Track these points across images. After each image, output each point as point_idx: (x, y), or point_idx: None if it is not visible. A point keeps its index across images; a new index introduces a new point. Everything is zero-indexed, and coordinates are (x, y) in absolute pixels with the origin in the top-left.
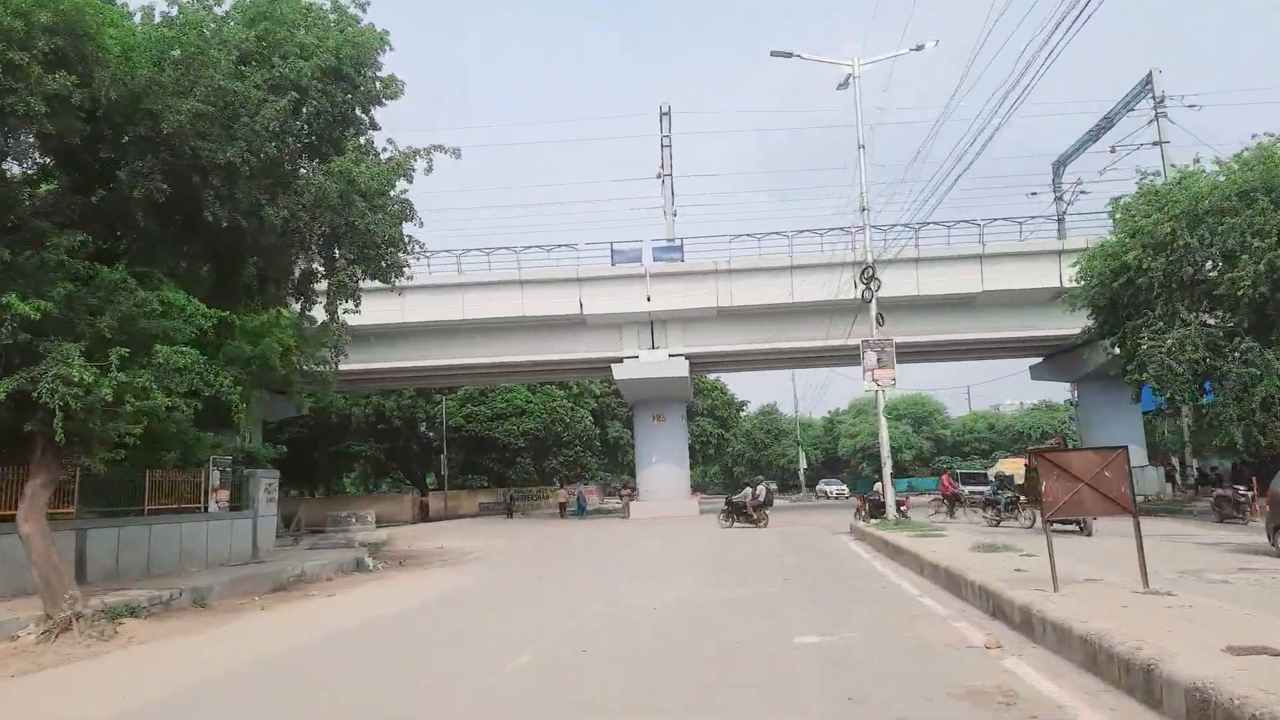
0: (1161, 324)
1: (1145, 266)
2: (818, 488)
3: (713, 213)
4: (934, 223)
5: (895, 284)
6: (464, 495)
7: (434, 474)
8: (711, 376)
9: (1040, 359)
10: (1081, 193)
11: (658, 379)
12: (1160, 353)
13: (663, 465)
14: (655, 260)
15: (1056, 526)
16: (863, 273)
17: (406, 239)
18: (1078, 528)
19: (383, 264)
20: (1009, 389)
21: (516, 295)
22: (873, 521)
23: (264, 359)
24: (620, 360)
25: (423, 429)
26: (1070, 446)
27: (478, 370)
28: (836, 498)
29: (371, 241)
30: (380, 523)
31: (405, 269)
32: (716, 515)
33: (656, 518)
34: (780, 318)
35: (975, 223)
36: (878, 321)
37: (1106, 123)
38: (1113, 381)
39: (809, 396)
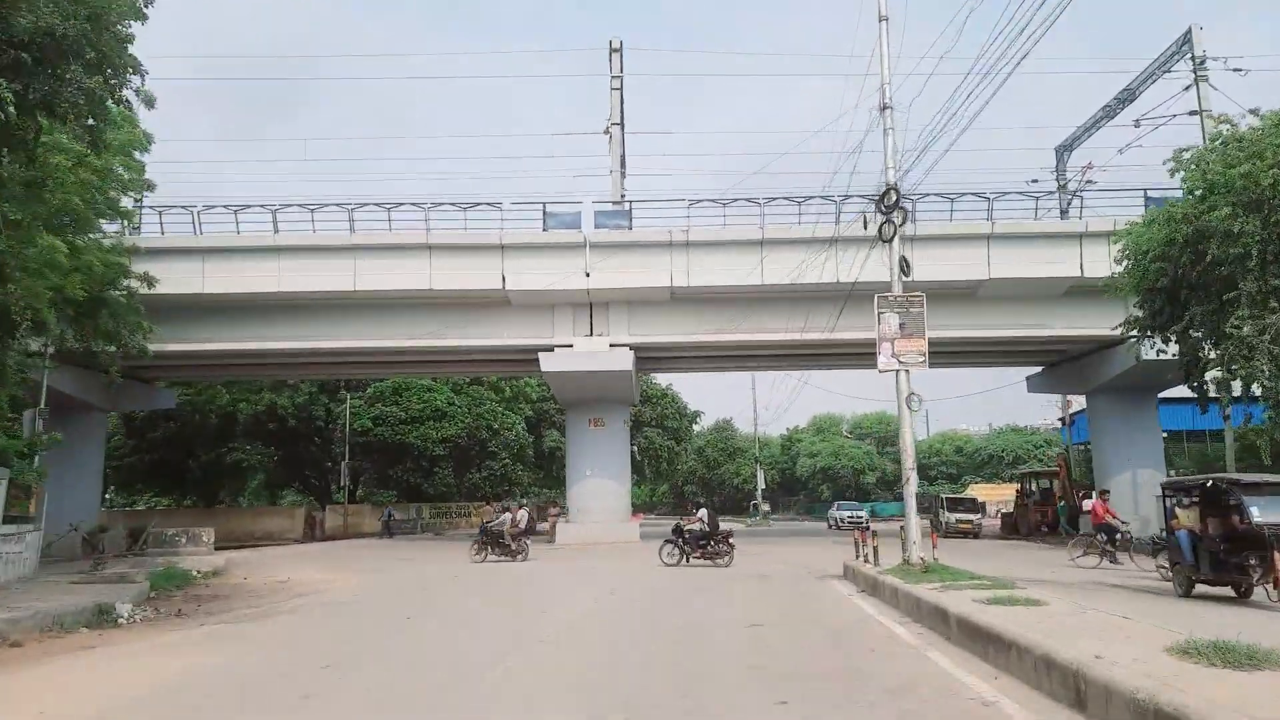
0: (1256, 305)
1: (1237, 230)
2: (831, 514)
3: (670, 185)
4: (935, 194)
5: (881, 269)
6: (368, 511)
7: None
8: (661, 381)
9: (1040, 368)
10: (1089, 182)
11: (596, 373)
12: (1265, 342)
13: (599, 480)
14: (597, 227)
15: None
16: (882, 198)
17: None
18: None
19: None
20: (973, 410)
21: (423, 264)
22: (874, 565)
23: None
24: (550, 349)
25: (327, 431)
26: (1068, 472)
27: (374, 357)
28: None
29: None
30: (269, 539)
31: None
32: (660, 545)
33: (588, 544)
34: (747, 304)
35: (984, 196)
36: (902, 269)
37: (1127, 94)
38: (1131, 395)
39: (766, 415)
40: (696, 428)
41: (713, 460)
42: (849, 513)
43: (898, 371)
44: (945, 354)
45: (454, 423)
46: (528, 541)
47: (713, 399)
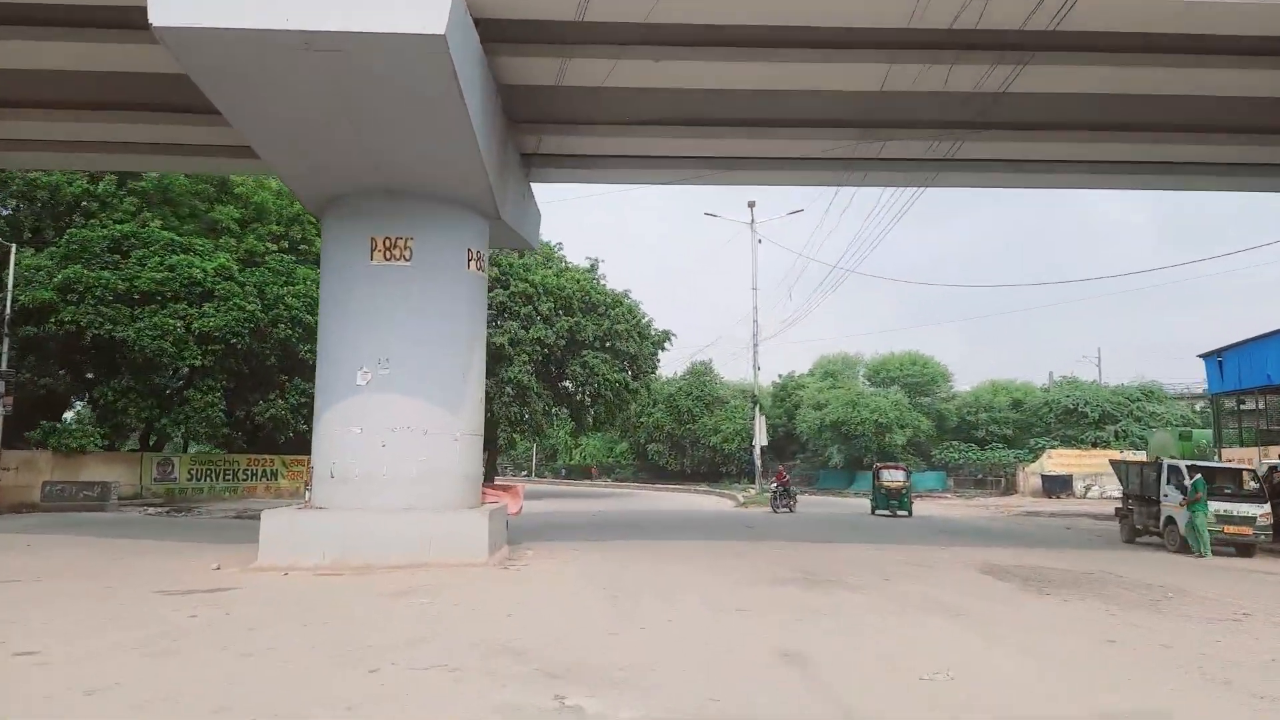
0: None
1: None
2: (881, 484)
3: None
4: None
5: None
6: (48, 461)
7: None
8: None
9: None
10: None
11: (338, 36)
12: None
13: (394, 399)
14: None
15: None
16: None
17: None
18: None
19: None
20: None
21: None
22: None
23: None
24: None
25: None
26: None
27: None
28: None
29: None
30: None
31: None
32: None
33: (345, 562)
34: None
35: None
36: None
37: None
38: None
39: (745, 360)
40: (664, 358)
41: (685, 412)
42: (899, 477)
43: None
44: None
45: (229, 311)
46: None
47: (684, 324)
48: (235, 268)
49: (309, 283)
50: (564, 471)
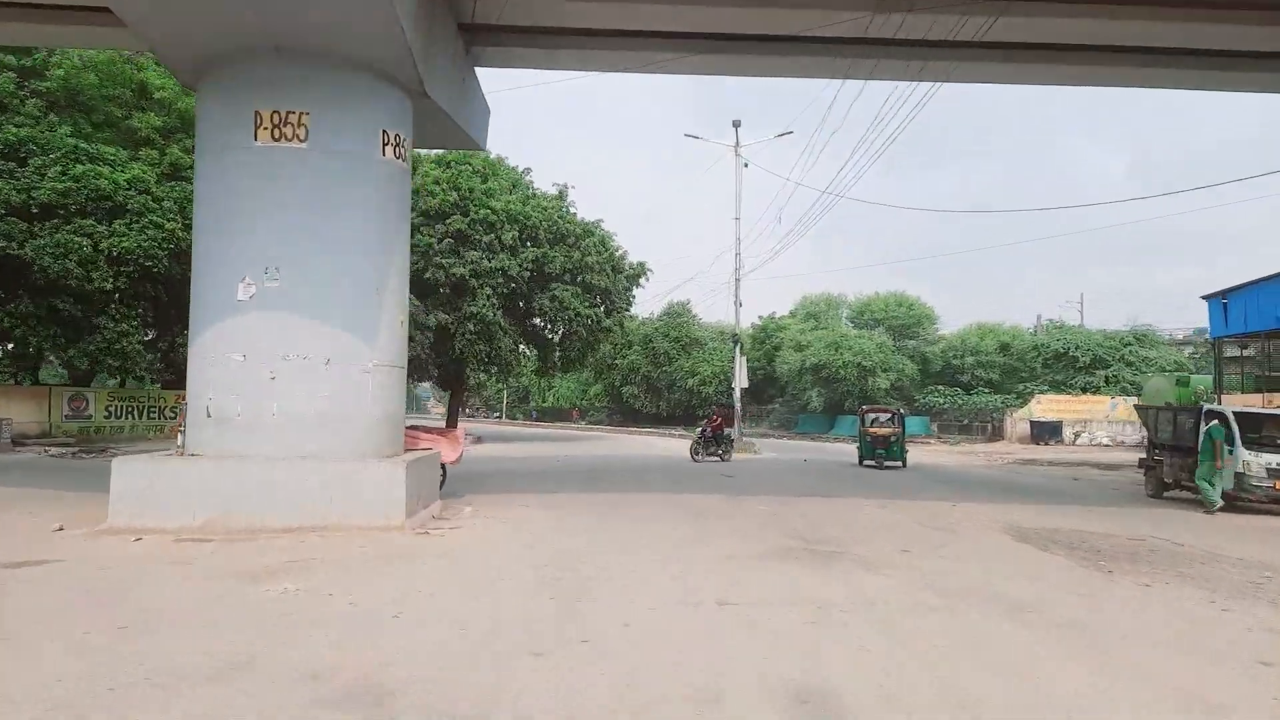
0: None
1: None
2: (867, 431)
3: None
4: None
5: None
6: None
7: None
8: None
9: None
10: None
11: None
12: None
13: (285, 319)
14: None
15: None
16: None
17: None
18: None
19: None
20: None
21: None
22: None
23: None
24: None
25: None
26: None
27: None
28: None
29: None
30: None
31: None
32: None
33: (216, 524)
34: None
35: None
36: None
37: None
38: None
39: (720, 298)
40: (640, 295)
41: (662, 354)
42: (886, 426)
43: None
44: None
45: (144, 229)
46: None
47: (659, 262)
48: (152, 180)
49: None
50: (535, 414)
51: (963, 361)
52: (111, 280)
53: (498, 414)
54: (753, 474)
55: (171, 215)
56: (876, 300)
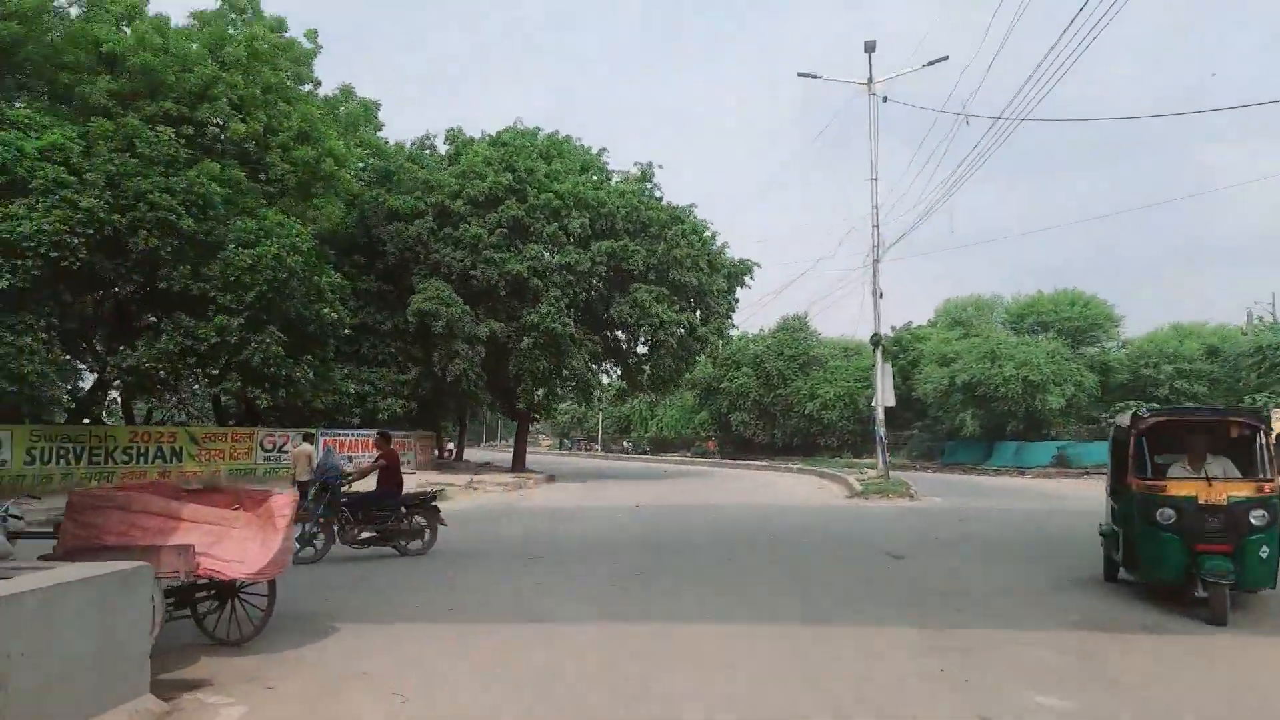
0: None
1: None
2: None
3: None
4: None
5: None
6: None
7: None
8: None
9: None
10: None
11: None
12: None
13: None
14: None
15: None
16: None
17: None
18: None
19: None
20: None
21: None
22: None
23: None
24: None
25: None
26: None
27: None
28: None
29: None
30: None
31: None
32: None
33: None
34: None
35: None
36: None
37: None
38: None
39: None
40: (746, 286)
41: (776, 375)
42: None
43: None
44: None
45: (52, 209)
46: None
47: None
48: (76, 149)
49: (205, 177)
50: (644, 448)
51: (1158, 371)
52: (7, 277)
53: (595, 445)
54: (931, 552)
55: (93, 192)
56: (1042, 300)
